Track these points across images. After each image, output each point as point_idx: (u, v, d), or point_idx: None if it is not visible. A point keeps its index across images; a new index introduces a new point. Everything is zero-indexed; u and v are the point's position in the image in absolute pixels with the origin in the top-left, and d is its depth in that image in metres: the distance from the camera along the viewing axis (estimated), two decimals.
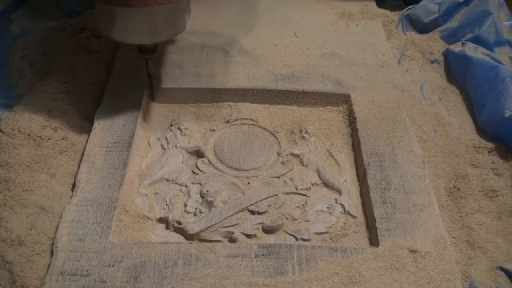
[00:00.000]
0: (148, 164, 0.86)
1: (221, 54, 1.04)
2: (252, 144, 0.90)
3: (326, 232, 0.77)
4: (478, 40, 1.09)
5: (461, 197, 0.84)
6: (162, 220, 0.78)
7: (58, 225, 0.73)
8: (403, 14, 1.21)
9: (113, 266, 0.68)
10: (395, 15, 1.21)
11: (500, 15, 1.13)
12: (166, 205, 0.80)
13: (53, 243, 0.71)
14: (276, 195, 0.81)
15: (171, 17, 0.79)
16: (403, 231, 0.73)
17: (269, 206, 0.79)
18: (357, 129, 0.89)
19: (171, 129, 0.92)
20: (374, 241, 0.75)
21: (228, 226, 0.76)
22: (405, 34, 1.19)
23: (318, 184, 0.84)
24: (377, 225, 0.74)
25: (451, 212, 0.82)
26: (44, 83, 0.95)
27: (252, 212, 0.79)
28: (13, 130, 0.82)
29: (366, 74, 1.01)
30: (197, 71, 0.99)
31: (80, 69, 0.99)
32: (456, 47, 1.11)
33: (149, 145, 0.90)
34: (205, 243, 0.72)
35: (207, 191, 0.81)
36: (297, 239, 0.76)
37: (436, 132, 0.95)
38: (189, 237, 0.76)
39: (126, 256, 0.69)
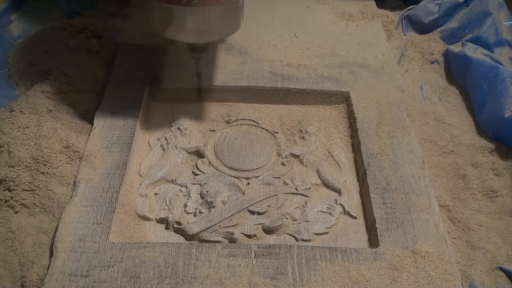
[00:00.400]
0: (148, 165, 0.86)
1: (221, 54, 1.04)
2: (252, 144, 0.90)
3: (326, 233, 0.77)
4: (478, 41, 1.09)
5: (461, 197, 0.84)
6: (162, 220, 0.78)
7: (58, 225, 0.73)
8: (403, 15, 1.21)
9: (113, 266, 0.68)
10: (395, 16, 1.22)
11: (500, 15, 1.13)
12: (166, 205, 0.80)
13: (53, 243, 0.71)
14: (276, 195, 0.81)
15: (226, 17, 0.80)
16: (403, 232, 0.73)
17: (269, 206, 0.79)
18: (357, 129, 0.89)
19: (171, 129, 0.92)
20: (374, 241, 0.75)
21: (228, 227, 0.76)
22: (405, 35, 1.19)
23: (318, 185, 0.85)
24: (377, 225, 0.74)
25: (451, 212, 0.82)
26: (44, 83, 0.95)
27: (252, 213, 0.79)
28: (13, 130, 0.82)
29: (366, 74, 1.01)
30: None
31: (80, 69, 0.99)
32: (456, 48, 1.11)
33: (149, 145, 0.90)
34: (205, 244, 0.72)
35: (207, 191, 0.81)
36: (297, 240, 0.76)
37: (436, 132, 0.95)
38: (189, 237, 0.76)
39: (126, 256, 0.69)
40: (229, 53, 1.04)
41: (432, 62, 1.13)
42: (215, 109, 0.96)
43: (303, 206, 0.80)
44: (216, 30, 0.81)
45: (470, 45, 1.08)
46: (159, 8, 0.78)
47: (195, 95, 0.97)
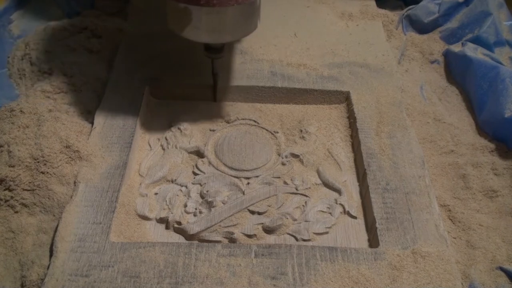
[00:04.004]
0: (148, 164, 0.86)
1: None
2: (252, 144, 0.90)
3: (326, 232, 0.77)
4: (478, 41, 1.09)
5: (461, 197, 0.84)
6: (162, 220, 0.78)
7: (58, 225, 0.73)
8: (403, 15, 1.21)
9: (113, 266, 0.68)
10: (395, 16, 1.22)
11: (500, 15, 1.13)
12: (166, 205, 0.80)
13: (53, 243, 0.71)
14: (276, 195, 0.81)
15: (243, 17, 0.79)
16: (403, 231, 0.73)
17: (269, 206, 0.79)
18: (357, 129, 0.89)
19: (171, 129, 0.92)
20: (374, 241, 0.75)
21: (228, 226, 0.76)
22: (405, 35, 1.19)
23: (318, 184, 0.84)
24: (377, 225, 0.74)
25: (451, 212, 0.82)
26: (44, 82, 0.95)
27: (252, 212, 0.79)
28: (13, 129, 0.82)
29: (366, 74, 1.01)
30: (197, 71, 0.99)
31: (81, 69, 0.99)
32: (456, 48, 1.11)
33: (149, 145, 0.90)
34: (205, 243, 0.72)
35: (207, 191, 0.81)
36: (297, 239, 0.76)
37: (436, 132, 0.95)
38: (189, 237, 0.76)
39: (126, 256, 0.69)
40: (229, 53, 1.04)
41: (432, 62, 1.13)
42: (215, 109, 0.96)
43: (303, 206, 0.80)
44: (233, 31, 0.79)
45: (470, 45, 1.08)
46: (176, 7, 0.77)
47: (211, 96, 0.97)
